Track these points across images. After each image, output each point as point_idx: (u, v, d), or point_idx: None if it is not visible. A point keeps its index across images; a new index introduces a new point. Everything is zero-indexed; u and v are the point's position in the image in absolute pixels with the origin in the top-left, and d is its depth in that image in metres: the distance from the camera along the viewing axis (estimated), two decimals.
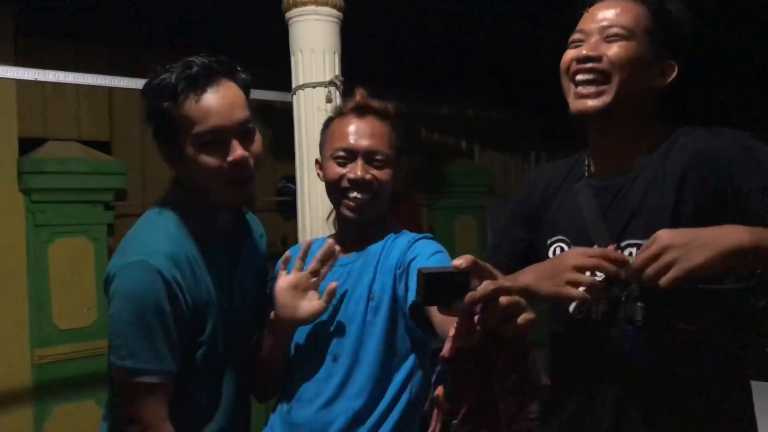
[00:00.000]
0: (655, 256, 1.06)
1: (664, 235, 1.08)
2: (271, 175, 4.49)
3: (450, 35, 4.14)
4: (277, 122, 4.32)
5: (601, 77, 1.26)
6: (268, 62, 2.97)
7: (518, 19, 3.84)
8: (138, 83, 2.97)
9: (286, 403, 1.54)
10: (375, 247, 1.55)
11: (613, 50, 1.26)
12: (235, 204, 1.44)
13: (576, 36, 1.33)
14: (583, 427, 1.32)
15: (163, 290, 1.29)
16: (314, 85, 2.57)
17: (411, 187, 5.37)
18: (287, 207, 4.29)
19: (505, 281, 0.95)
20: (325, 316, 1.50)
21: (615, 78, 1.25)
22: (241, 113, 1.36)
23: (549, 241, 1.40)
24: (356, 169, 1.50)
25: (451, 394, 0.98)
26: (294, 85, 2.65)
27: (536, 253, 1.43)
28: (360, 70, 2.57)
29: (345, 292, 1.52)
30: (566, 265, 1.18)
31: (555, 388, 1.14)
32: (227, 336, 1.43)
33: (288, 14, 2.61)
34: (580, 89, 1.28)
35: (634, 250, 1.24)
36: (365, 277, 1.52)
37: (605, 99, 1.26)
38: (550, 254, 1.38)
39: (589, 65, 1.27)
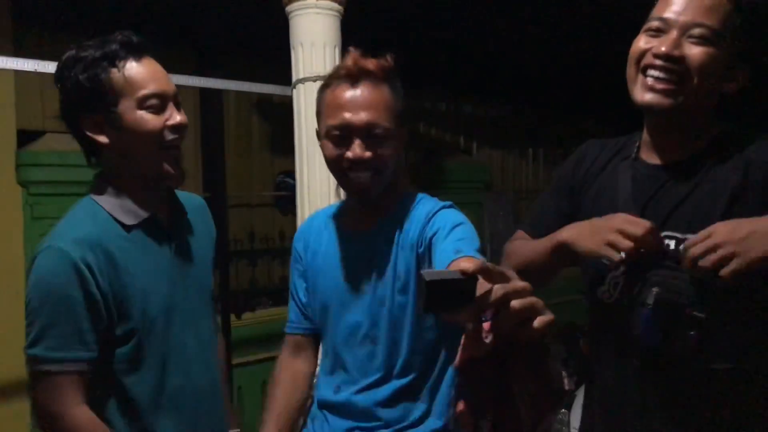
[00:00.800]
0: (712, 249, 1.08)
1: (722, 229, 1.09)
2: (269, 169, 4.49)
3: (449, 30, 4.14)
4: (276, 116, 4.33)
5: (676, 77, 1.21)
6: (268, 56, 2.97)
7: (517, 14, 3.84)
8: None
9: (332, 385, 1.53)
10: (393, 220, 1.46)
11: (695, 53, 1.19)
12: (168, 174, 1.42)
13: (654, 24, 1.24)
14: (614, 402, 1.35)
15: (73, 275, 1.29)
16: (314, 79, 2.57)
17: (408, 182, 5.37)
18: (285, 202, 4.29)
19: (518, 282, 0.87)
20: (357, 301, 1.48)
21: (692, 82, 1.20)
22: (173, 84, 1.42)
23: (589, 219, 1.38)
24: (354, 149, 1.37)
25: (473, 407, 0.93)
26: (294, 79, 2.64)
27: None
28: None
29: (371, 270, 1.46)
30: (611, 226, 1.19)
31: (593, 363, 1.32)
32: (169, 321, 1.43)
33: (288, 8, 2.61)
34: (652, 82, 1.23)
35: (672, 243, 1.23)
36: (388, 257, 1.44)
37: (677, 100, 1.21)
38: None
39: (667, 64, 1.21)
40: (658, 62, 1.21)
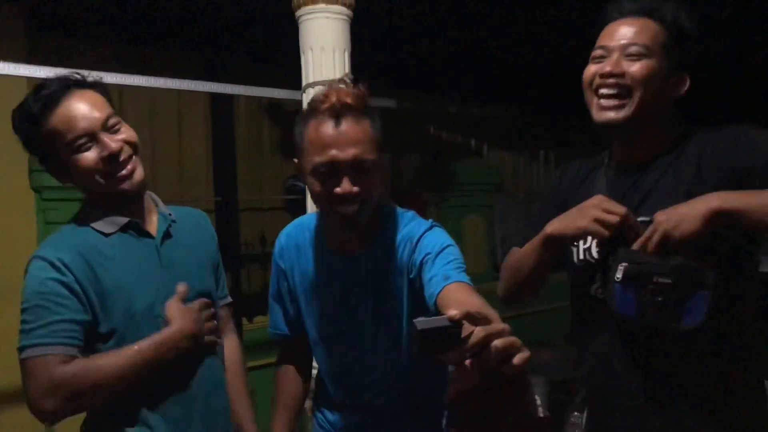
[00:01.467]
0: (653, 231, 1.28)
1: (659, 214, 1.28)
2: (279, 173, 4.51)
3: (459, 33, 4.14)
4: (286, 121, 4.35)
5: (623, 92, 1.39)
6: (278, 61, 2.98)
7: (528, 17, 3.83)
8: (148, 81, 2.99)
9: (344, 394, 1.62)
10: (380, 243, 1.52)
11: (635, 68, 1.38)
12: (125, 192, 1.49)
13: (598, 52, 1.44)
14: (603, 381, 1.49)
15: (51, 272, 1.39)
16: (324, 83, 2.57)
17: (418, 185, 5.37)
18: (295, 205, 4.30)
19: (499, 324, 1.01)
20: (355, 326, 1.54)
21: (636, 93, 1.38)
22: (102, 112, 1.46)
23: None
24: (344, 185, 1.39)
25: None
26: (304, 83, 2.65)
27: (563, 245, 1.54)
28: (369, 68, 2.58)
29: (366, 296, 1.53)
30: (593, 205, 1.36)
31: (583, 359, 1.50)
32: (154, 321, 1.48)
33: (298, 12, 2.61)
34: (603, 102, 1.41)
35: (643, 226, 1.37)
36: (381, 281, 1.51)
37: (627, 111, 1.39)
38: (576, 241, 1.51)
39: (612, 81, 1.39)
40: (606, 81, 1.40)
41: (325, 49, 2.58)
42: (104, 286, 1.43)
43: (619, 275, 1.31)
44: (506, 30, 4.12)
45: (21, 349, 1.38)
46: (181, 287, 1.52)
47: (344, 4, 2.59)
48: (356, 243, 1.53)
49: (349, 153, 1.38)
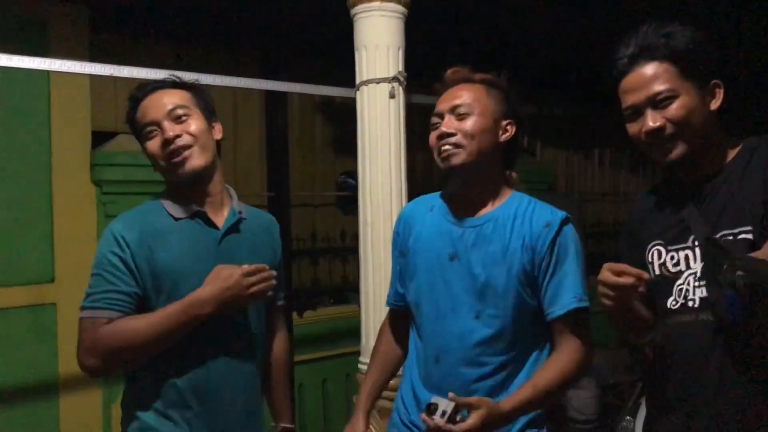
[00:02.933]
0: None
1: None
2: (331, 170, 4.54)
3: (512, 31, 4.09)
4: (338, 118, 4.37)
5: (671, 135, 1.42)
6: (333, 58, 2.99)
7: (585, 12, 3.77)
8: (205, 78, 3.04)
9: (428, 358, 1.66)
10: (504, 213, 1.64)
11: (672, 113, 1.40)
12: (180, 176, 1.64)
13: (628, 112, 1.47)
14: (688, 386, 1.46)
15: (114, 245, 1.59)
16: (378, 81, 2.58)
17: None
18: (346, 201, 4.33)
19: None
20: (465, 276, 1.61)
21: (684, 131, 1.41)
22: (171, 103, 1.66)
23: (648, 247, 1.54)
24: (445, 123, 1.67)
25: None
26: (358, 81, 2.66)
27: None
28: (424, 66, 2.57)
29: (479, 253, 1.62)
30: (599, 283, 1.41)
31: (660, 366, 1.47)
32: None
33: (353, 10, 2.62)
34: (658, 150, 1.45)
35: (730, 238, 1.38)
36: (499, 242, 1.61)
37: (683, 149, 1.42)
38: (648, 257, 1.52)
39: (659, 134, 1.42)
40: (654, 138, 1.43)
41: (379, 46, 2.59)
42: (158, 266, 1.59)
43: (738, 283, 1.27)
44: (563, 27, 4.06)
45: (81, 309, 1.58)
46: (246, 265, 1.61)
47: (399, 2, 2.59)
48: (476, 208, 1.68)
49: (450, 102, 1.70)
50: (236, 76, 3.08)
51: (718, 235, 1.40)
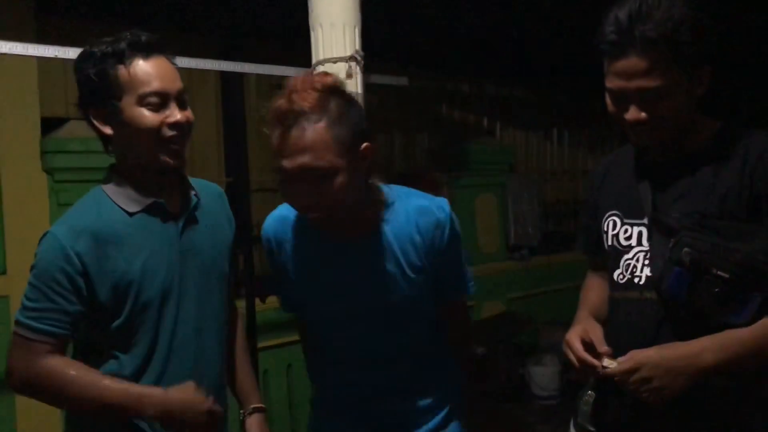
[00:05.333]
0: (641, 382, 1.30)
1: (648, 363, 1.30)
2: None
3: (472, 11, 4.08)
4: None
5: (653, 124, 1.38)
6: (288, 38, 2.94)
7: None
8: None
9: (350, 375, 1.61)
10: (385, 228, 1.50)
11: (658, 110, 1.35)
12: (167, 164, 1.49)
13: (614, 92, 1.39)
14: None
15: (61, 261, 1.41)
16: (335, 60, 2.54)
17: (430, 165, 5.34)
18: None
19: None
20: (362, 313, 1.53)
21: (665, 120, 1.37)
22: (180, 83, 1.51)
23: (605, 216, 1.54)
24: (299, 197, 1.43)
25: None
26: (314, 61, 2.62)
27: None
28: (381, 45, 2.54)
29: (375, 281, 1.51)
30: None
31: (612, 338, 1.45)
32: (165, 303, 1.50)
33: None
34: (637, 135, 1.42)
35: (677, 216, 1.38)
36: (392, 263, 1.50)
37: (662, 135, 1.41)
38: (604, 226, 1.53)
39: (642, 125, 1.38)
40: (633, 126, 1.39)
41: (335, 25, 2.54)
42: (118, 275, 1.45)
43: (686, 259, 1.31)
44: (520, 8, 4.06)
45: (16, 321, 1.45)
46: (196, 390, 1.46)
47: None
48: (355, 231, 1.51)
49: (297, 162, 1.33)
50: (193, 58, 3.01)
51: (677, 215, 1.39)
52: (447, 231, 1.52)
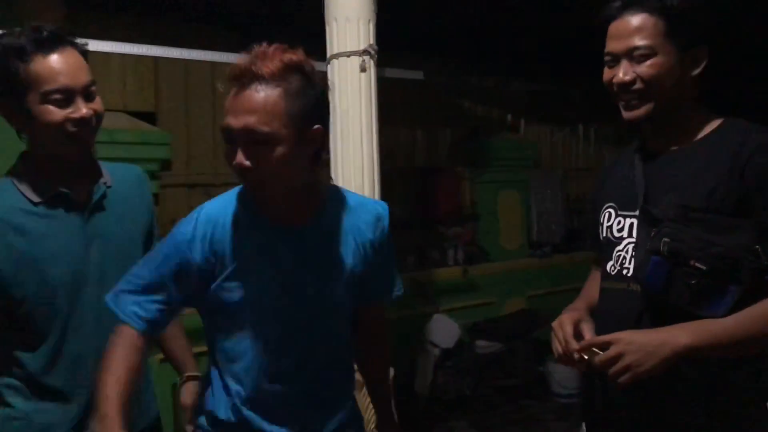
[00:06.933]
0: (614, 358, 1.29)
1: (622, 340, 1.30)
2: None
3: (496, 5, 4.06)
4: None
5: (641, 93, 1.41)
6: (303, 31, 2.97)
7: None
8: (183, 53, 3.03)
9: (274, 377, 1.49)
10: (327, 216, 1.48)
11: (643, 70, 1.40)
12: (75, 156, 1.52)
13: (607, 57, 1.47)
14: None
15: None
16: (349, 54, 2.57)
17: (452, 160, 5.33)
18: None
19: None
20: (300, 299, 1.46)
21: (652, 90, 1.40)
22: (86, 77, 1.49)
23: (602, 208, 1.56)
24: (237, 156, 1.32)
25: None
26: (328, 54, 2.65)
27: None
28: (400, 38, 2.56)
29: (315, 267, 1.47)
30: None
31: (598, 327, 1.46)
32: (75, 290, 1.52)
33: None
34: (624, 103, 1.45)
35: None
36: (331, 251, 1.47)
37: (648, 107, 1.42)
38: (600, 218, 1.55)
39: (628, 87, 1.42)
40: (620, 91, 1.44)
41: (350, 19, 2.57)
42: (20, 263, 1.47)
43: (664, 249, 1.32)
44: (546, 1, 4.03)
45: None
46: None
47: None
48: (298, 214, 1.46)
49: (242, 121, 1.29)
50: (212, 51, 3.07)
51: (663, 206, 1.39)
52: (386, 227, 1.52)
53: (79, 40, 1.53)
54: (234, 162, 1.32)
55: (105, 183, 1.59)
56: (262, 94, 1.29)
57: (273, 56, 1.31)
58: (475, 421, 4.20)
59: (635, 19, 1.40)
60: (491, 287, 5.11)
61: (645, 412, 1.39)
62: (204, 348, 1.53)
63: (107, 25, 3.59)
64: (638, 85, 1.40)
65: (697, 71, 1.42)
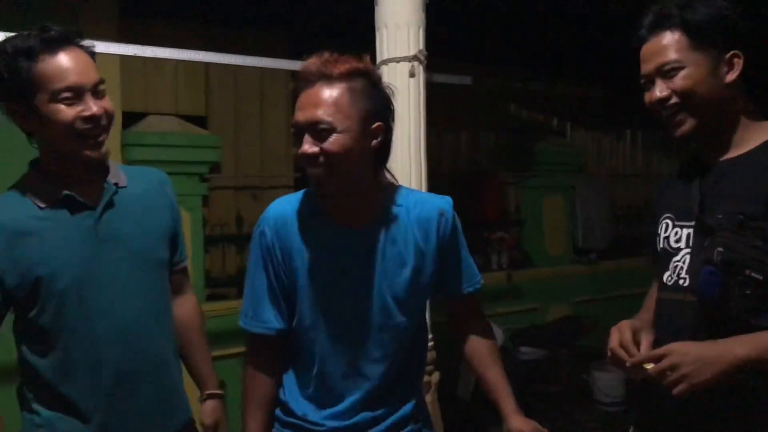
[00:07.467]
0: (669, 369, 1.27)
1: (677, 351, 1.28)
2: None
3: (542, 9, 4.05)
4: None
5: (680, 107, 1.43)
6: (352, 37, 3.00)
7: None
8: (233, 59, 3.09)
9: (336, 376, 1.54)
10: (390, 216, 1.51)
11: (676, 83, 1.41)
12: (89, 159, 1.49)
13: (642, 81, 1.50)
14: None
15: None
16: (398, 60, 2.59)
17: (497, 165, 5.31)
18: None
19: None
20: (361, 300, 1.50)
21: (690, 102, 1.41)
22: (95, 75, 1.48)
23: (660, 219, 1.55)
24: (303, 145, 1.41)
25: None
26: (378, 60, 2.67)
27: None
28: (448, 43, 2.57)
29: (376, 268, 1.50)
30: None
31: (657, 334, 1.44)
32: (84, 294, 1.49)
33: None
34: (668, 121, 1.46)
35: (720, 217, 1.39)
36: (393, 253, 1.50)
37: (692, 122, 1.43)
38: (659, 230, 1.54)
39: (665, 104, 1.44)
40: (660, 109, 1.45)
41: (399, 25, 2.59)
42: (25, 263, 1.45)
43: (717, 258, 1.31)
44: (593, 5, 4.00)
45: None
46: None
47: None
48: (361, 216, 1.51)
49: (307, 114, 1.39)
50: (263, 57, 3.12)
51: (718, 216, 1.38)
52: (450, 220, 1.55)
53: (86, 42, 1.53)
54: (300, 150, 1.40)
55: (116, 183, 1.57)
56: (328, 90, 1.39)
57: (341, 60, 1.41)
58: None
59: (660, 39, 1.43)
60: (535, 293, 5.07)
61: (701, 422, 1.38)
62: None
63: (160, 32, 3.69)
64: (674, 100, 1.42)
65: (733, 77, 1.41)
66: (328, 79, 1.39)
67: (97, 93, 1.48)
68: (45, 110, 1.44)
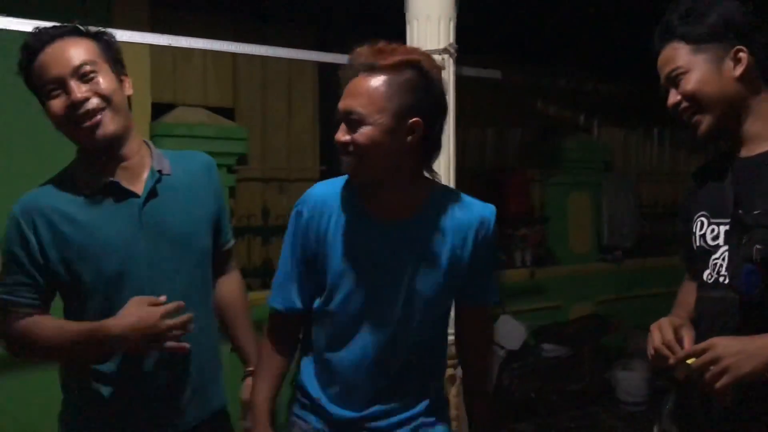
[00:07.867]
0: (710, 363, 1.27)
1: (720, 344, 1.28)
2: None
3: (570, 5, 4.01)
4: None
5: (693, 109, 1.46)
6: (384, 31, 3.00)
7: None
8: (260, 50, 3.10)
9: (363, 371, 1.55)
10: (430, 211, 1.50)
11: (684, 87, 1.46)
12: (92, 143, 1.48)
13: (663, 90, 1.53)
14: None
15: (17, 236, 1.48)
16: (429, 53, 2.57)
17: (522, 161, 5.28)
18: None
19: None
20: (393, 291, 1.50)
21: (699, 103, 1.44)
22: (77, 58, 1.45)
23: (695, 217, 1.54)
24: (338, 133, 1.43)
25: None
26: None
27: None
28: (477, 38, 2.56)
29: (411, 261, 1.50)
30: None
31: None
32: (127, 279, 1.50)
33: None
34: (688, 124, 1.49)
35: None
36: (430, 247, 1.49)
37: (709, 121, 1.45)
38: (693, 227, 1.53)
39: (680, 109, 1.48)
40: (677, 115, 1.49)
41: (430, 18, 2.59)
42: (72, 253, 1.47)
43: (757, 256, 1.32)
44: (622, 1, 3.96)
45: None
46: (161, 299, 1.47)
47: None
48: (401, 208, 1.50)
49: (346, 103, 1.41)
50: (291, 48, 3.12)
51: (755, 213, 1.37)
52: (491, 229, 1.52)
53: (92, 28, 1.52)
54: (335, 137, 1.43)
55: (160, 171, 1.56)
56: (368, 81, 1.39)
57: (391, 51, 1.40)
58: (540, 425, 4.18)
59: (665, 50, 1.49)
60: (558, 290, 5.04)
61: (745, 419, 1.36)
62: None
63: (189, 23, 3.71)
64: (685, 104, 1.45)
65: (739, 71, 1.41)
66: (372, 69, 1.39)
67: (82, 76, 1.45)
68: (46, 108, 1.49)
